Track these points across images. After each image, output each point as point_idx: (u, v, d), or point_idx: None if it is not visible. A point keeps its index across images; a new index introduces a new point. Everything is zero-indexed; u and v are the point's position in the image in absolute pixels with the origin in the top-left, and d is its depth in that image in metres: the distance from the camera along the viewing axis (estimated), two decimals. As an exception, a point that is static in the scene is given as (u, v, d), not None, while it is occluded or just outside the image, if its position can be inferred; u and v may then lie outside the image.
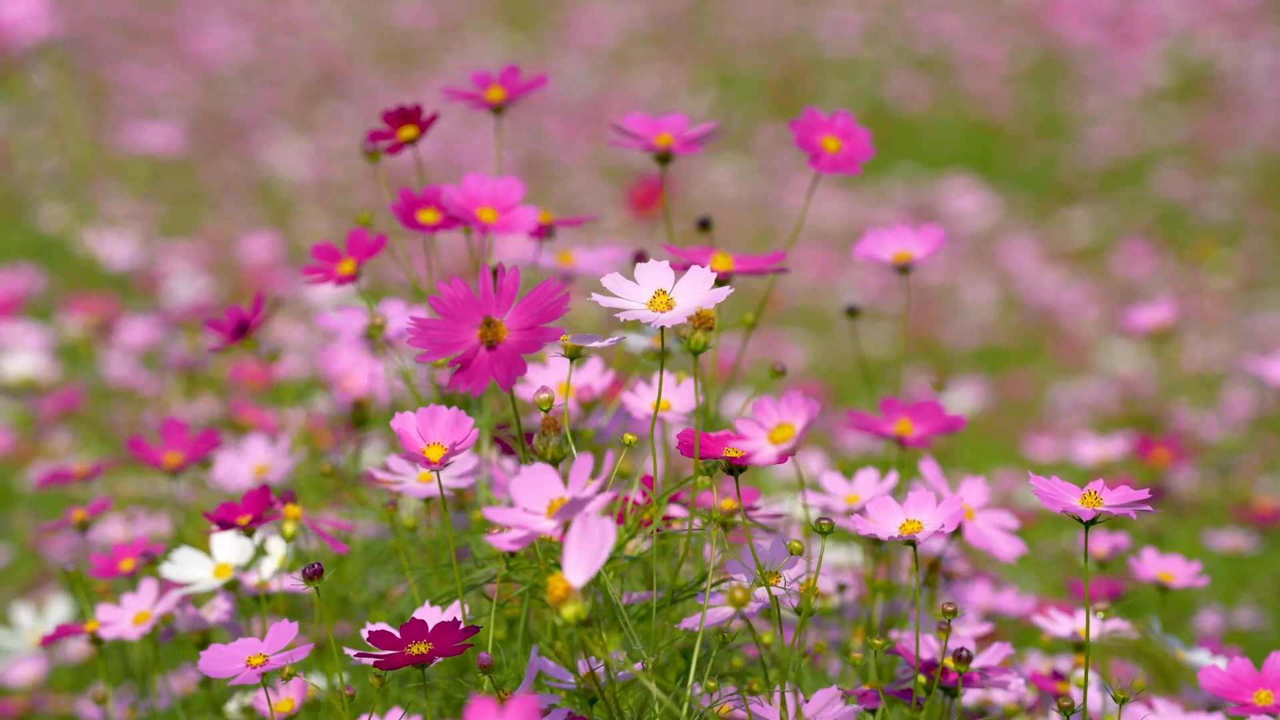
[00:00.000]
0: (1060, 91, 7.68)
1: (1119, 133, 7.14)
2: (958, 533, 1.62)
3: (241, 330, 1.68)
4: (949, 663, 1.40)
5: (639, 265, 1.33)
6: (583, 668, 1.35)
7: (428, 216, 1.57)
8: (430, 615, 1.36)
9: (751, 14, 8.67)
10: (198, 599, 1.67)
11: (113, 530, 2.28)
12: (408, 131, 1.61)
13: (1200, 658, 1.68)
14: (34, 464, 2.81)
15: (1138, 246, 5.76)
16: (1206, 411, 3.50)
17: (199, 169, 6.06)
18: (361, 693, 1.62)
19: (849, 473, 1.67)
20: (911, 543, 1.34)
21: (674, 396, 1.56)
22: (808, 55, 8.19)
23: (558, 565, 1.36)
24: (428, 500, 1.59)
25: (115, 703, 1.77)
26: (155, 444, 1.80)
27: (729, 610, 1.35)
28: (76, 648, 2.14)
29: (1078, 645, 1.67)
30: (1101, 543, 1.86)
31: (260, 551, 1.58)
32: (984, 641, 1.58)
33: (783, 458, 1.32)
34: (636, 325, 1.31)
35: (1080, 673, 1.63)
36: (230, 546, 1.59)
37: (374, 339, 1.69)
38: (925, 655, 1.45)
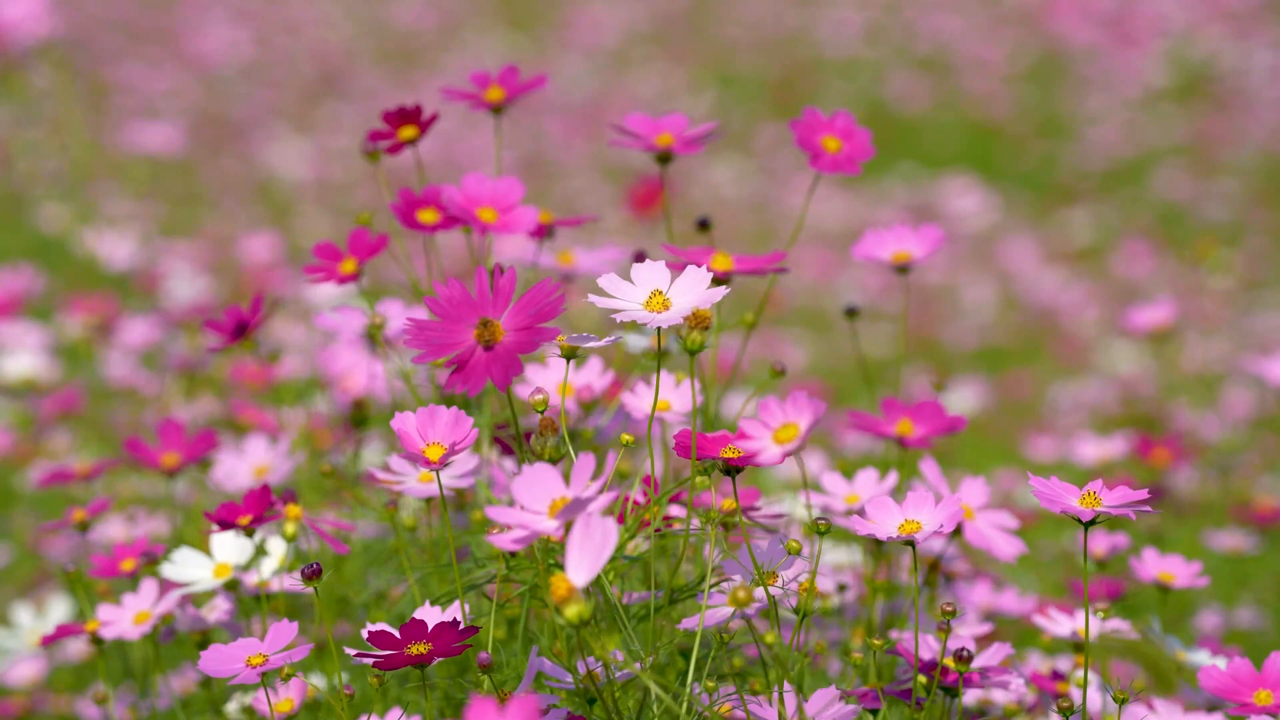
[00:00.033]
0: (1060, 91, 7.68)
1: (1119, 133, 7.14)
2: (958, 533, 1.62)
3: (241, 330, 1.68)
4: (949, 663, 1.40)
5: (635, 265, 1.33)
6: (582, 668, 1.35)
7: (428, 216, 1.57)
8: (430, 615, 1.36)
9: (751, 14, 8.67)
10: (198, 599, 1.67)
11: (113, 530, 2.28)
12: (408, 131, 1.61)
13: (1200, 658, 1.68)
14: (34, 464, 2.81)
15: (1138, 246, 5.76)
16: (1206, 411, 3.50)
17: (199, 169, 6.06)
18: (361, 693, 1.62)
19: (849, 473, 1.67)
20: (910, 543, 1.34)
21: (673, 396, 1.56)
22: (808, 55, 8.19)
23: (557, 565, 1.36)
24: (428, 500, 1.59)
25: (115, 703, 1.77)
26: (153, 445, 1.80)
27: (728, 610, 1.35)
28: (76, 648, 2.14)
29: (1077, 645, 1.67)
30: (1101, 543, 1.86)
31: (260, 551, 1.58)
32: (984, 641, 1.58)
33: (787, 457, 1.32)
34: (635, 325, 1.31)
35: (1080, 673, 1.63)
36: (230, 546, 1.59)
37: (374, 339, 1.69)
38: (925, 655, 1.45)
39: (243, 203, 5.72)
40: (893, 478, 1.64)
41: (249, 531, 1.50)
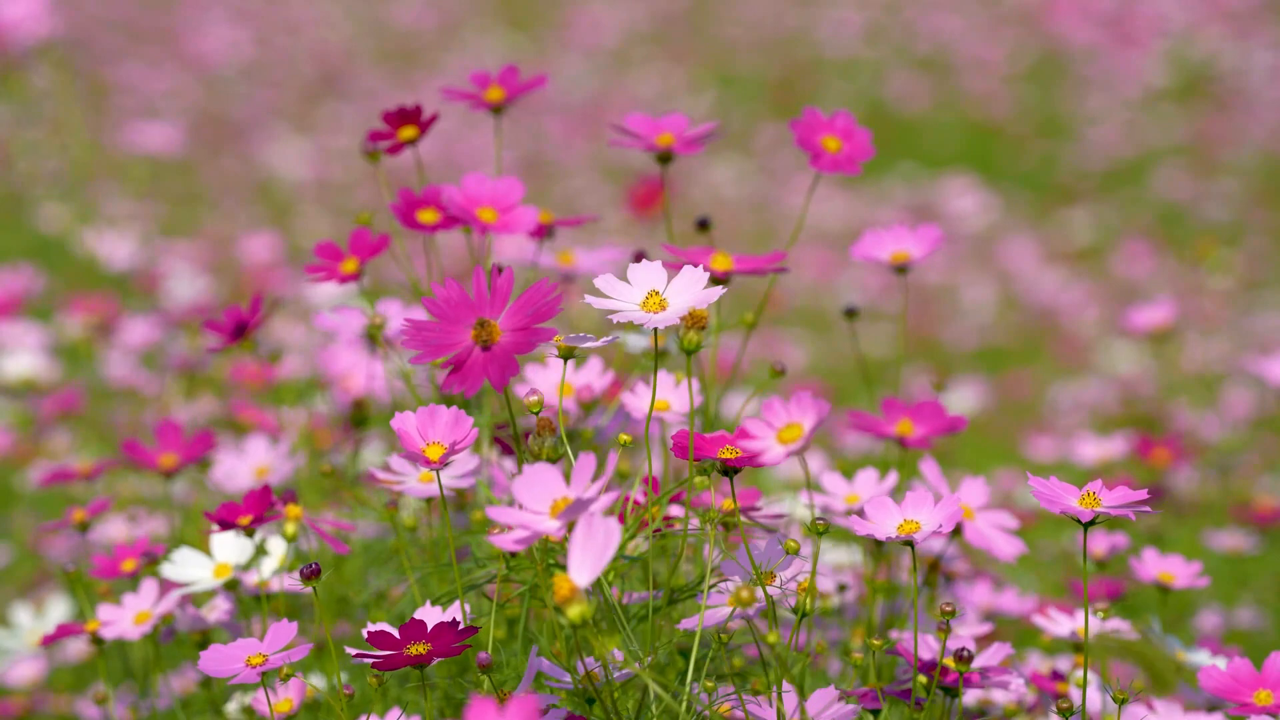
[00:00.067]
0: (1060, 91, 7.68)
1: (1119, 133, 7.14)
2: (958, 532, 1.62)
3: (240, 331, 1.68)
4: (949, 663, 1.40)
5: (631, 266, 1.33)
6: (581, 668, 1.35)
7: (428, 216, 1.57)
8: (431, 615, 1.36)
9: (751, 14, 8.67)
10: (198, 599, 1.67)
11: (114, 530, 2.28)
12: (407, 132, 1.61)
13: (1200, 658, 1.68)
14: (34, 464, 2.81)
15: (1138, 246, 5.76)
16: (1206, 411, 3.50)
17: (199, 169, 6.06)
18: (361, 693, 1.62)
19: (849, 473, 1.67)
20: (909, 543, 1.34)
21: (673, 396, 1.56)
22: (808, 55, 8.19)
23: (557, 565, 1.36)
24: (428, 500, 1.59)
25: (115, 703, 1.77)
26: (151, 446, 1.80)
27: (728, 610, 1.35)
28: (76, 648, 2.14)
29: (1077, 646, 1.67)
30: (1101, 543, 1.86)
31: (260, 551, 1.58)
32: (984, 641, 1.58)
33: (791, 457, 1.32)
34: (634, 325, 1.31)
35: (1079, 673, 1.63)
36: (230, 546, 1.59)
37: (374, 339, 1.69)
38: (925, 655, 1.44)
39: (243, 203, 5.72)
40: (893, 478, 1.64)
41: (249, 531, 1.50)
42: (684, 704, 1.33)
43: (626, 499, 1.39)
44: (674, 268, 1.33)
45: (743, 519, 1.48)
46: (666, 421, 1.58)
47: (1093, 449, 2.62)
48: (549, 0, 8.91)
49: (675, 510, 1.50)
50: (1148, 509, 1.31)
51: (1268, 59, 7.70)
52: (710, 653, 1.38)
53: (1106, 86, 7.63)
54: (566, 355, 1.36)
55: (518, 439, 1.38)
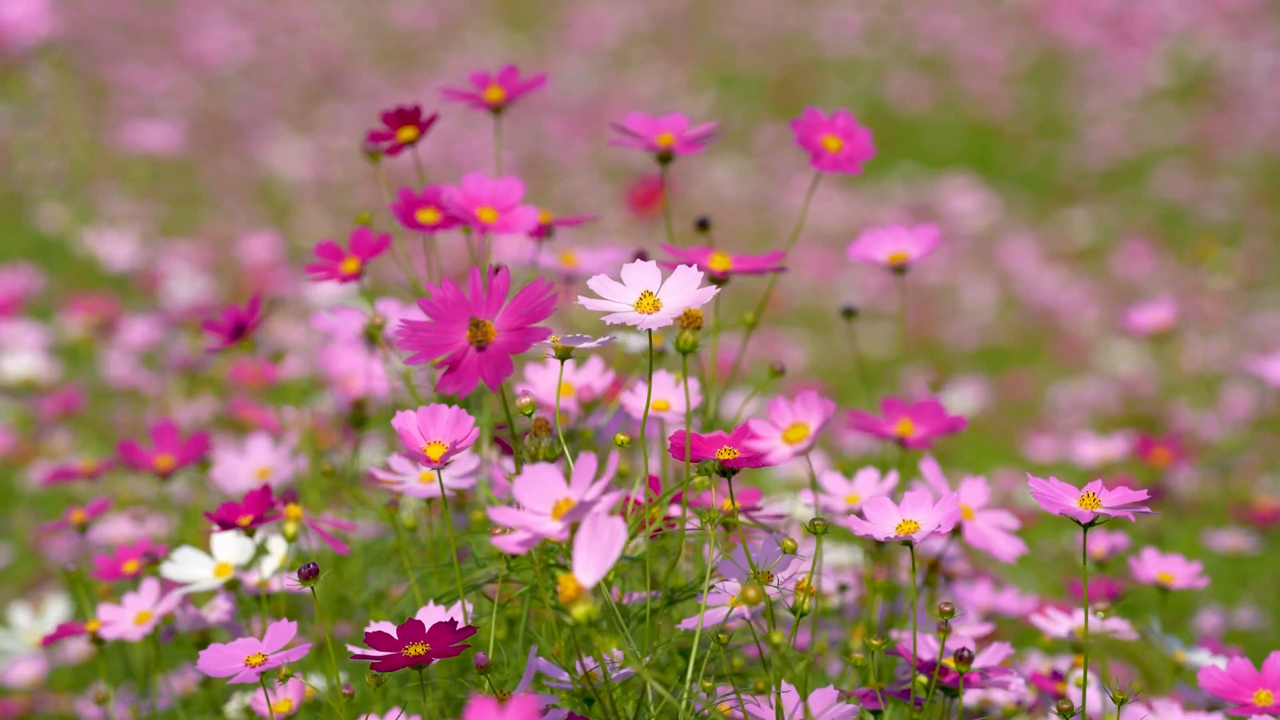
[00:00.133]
0: (1060, 91, 7.68)
1: (1119, 133, 7.14)
2: (958, 533, 1.62)
3: (239, 331, 1.68)
4: (949, 663, 1.40)
5: (626, 266, 1.33)
6: (582, 668, 1.35)
7: (427, 216, 1.57)
8: (432, 615, 1.36)
9: (751, 14, 8.67)
10: (198, 599, 1.67)
11: (116, 529, 2.28)
12: (407, 132, 1.62)
13: (1200, 658, 1.68)
14: (34, 464, 2.81)
15: (1138, 246, 5.76)
16: (1206, 411, 3.50)
17: (199, 169, 6.06)
18: (361, 692, 1.62)
19: (849, 473, 1.67)
20: (908, 543, 1.34)
21: (672, 396, 1.56)
22: (808, 55, 8.19)
23: (557, 565, 1.36)
24: (428, 500, 1.59)
25: (116, 703, 1.77)
26: (147, 447, 1.80)
27: (727, 610, 1.35)
28: (77, 648, 2.14)
29: (1076, 647, 1.67)
30: (1101, 543, 1.86)
31: (261, 551, 1.58)
32: (984, 641, 1.58)
33: (797, 457, 1.32)
34: (630, 326, 1.31)
35: (1078, 673, 1.63)
36: (231, 546, 1.59)
37: (373, 338, 1.69)
38: (925, 655, 1.44)
39: (243, 203, 5.72)
40: (893, 478, 1.64)
41: (249, 531, 1.50)
42: (684, 703, 1.33)
43: (627, 499, 1.39)
44: (671, 268, 1.33)
45: (743, 519, 1.48)
46: (666, 421, 1.58)
47: (1093, 449, 2.62)
48: (549, 0, 8.91)
49: (675, 510, 1.50)
50: (1147, 510, 1.31)
51: (1268, 59, 7.70)
52: (710, 652, 1.38)
53: (1106, 86, 7.63)
54: (564, 355, 1.36)
55: (517, 439, 1.38)
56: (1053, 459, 3.18)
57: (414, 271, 1.68)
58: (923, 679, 1.41)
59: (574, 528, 1.16)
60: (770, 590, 1.36)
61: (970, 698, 1.61)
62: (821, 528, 1.35)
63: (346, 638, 1.80)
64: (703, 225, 1.64)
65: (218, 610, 1.62)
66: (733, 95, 7.65)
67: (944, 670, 1.41)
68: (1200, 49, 7.93)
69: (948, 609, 1.35)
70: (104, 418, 2.98)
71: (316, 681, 1.63)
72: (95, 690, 1.66)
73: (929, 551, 1.70)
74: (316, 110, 7.07)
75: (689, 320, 1.32)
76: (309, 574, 1.34)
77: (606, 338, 1.37)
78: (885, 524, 1.35)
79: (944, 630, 1.37)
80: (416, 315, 1.37)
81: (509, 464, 1.62)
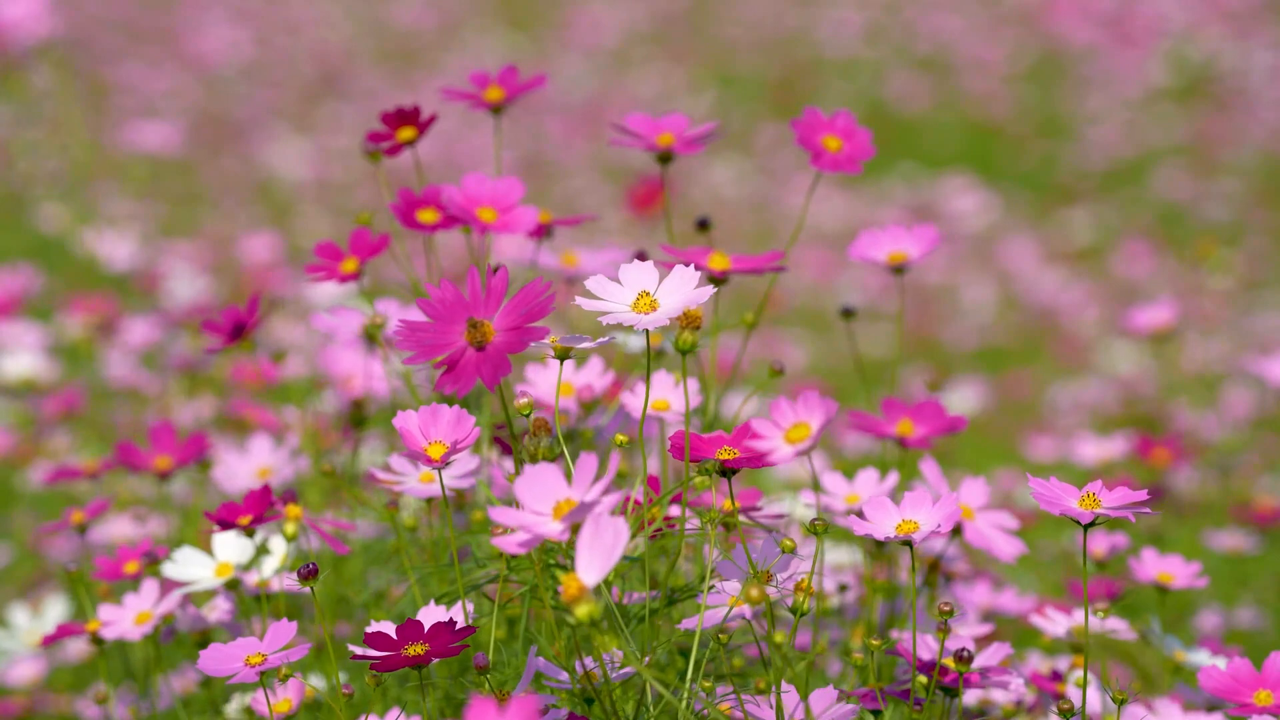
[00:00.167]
0: (1060, 91, 7.68)
1: (1119, 133, 7.14)
2: (958, 533, 1.62)
3: (238, 331, 1.68)
4: (949, 663, 1.40)
5: (623, 266, 1.33)
6: (581, 668, 1.35)
7: (427, 216, 1.57)
8: (431, 615, 1.36)
9: (751, 14, 8.67)
10: (198, 599, 1.67)
11: (117, 529, 2.28)
12: (406, 133, 1.61)
13: (1200, 658, 1.68)
14: (34, 464, 2.81)
15: (1138, 246, 5.76)
16: (1206, 411, 3.50)
17: (199, 169, 6.06)
18: (361, 692, 1.62)
19: (849, 473, 1.67)
20: (908, 543, 1.34)
21: (672, 396, 1.56)
22: (808, 55, 8.19)
23: (557, 565, 1.36)
24: (428, 500, 1.59)
25: (116, 703, 1.77)
26: (145, 448, 1.80)
27: (726, 610, 1.35)
28: (77, 648, 2.14)
29: (1075, 647, 1.67)
30: (1101, 543, 1.86)
31: (262, 551, 1.58)
32: (984, 641, 1.58)
33: (799, 457, 1.32)
34: (629, 326, 1.31)
35: (1078, 673, 1.63)
36: (231, 546, 1.59)
37: (373, 338, 1.69)
38: (925, 655, 1.44)
39: (243, 203, 5.72)
40: (893, 478, 1.64)
41: (249, 531, 1.50)
42: (684, 702, 1.32)
43: (627, 499, 1.39)
44: (670, 268, 1.33)
45: (743, 519, 1.48)
46: (666, 421, 1.58)
47: (1093, 449, 2.62)
48: (549, 0, 8.91)
49: (675, 510, 1.50)
50: (1147, 510, 1.31)
51: (1268, 59, 7.70)
52: (710, 652, 1.38)
53: (1106, 86, 7.63)
54: (563, 355, 1.36)
55: (515, 439, 1.38)
56: (1053, 459, 3.18)
57: (414, 271, 1.68)
58: (923, 679, 1.41)
59: (575, 528, 1.16)
60: (770, 590, 1.36)
61: (970, 698, 1.61)
62: (822, 528, 1.35)
63: (346, 638, 1.80)
64: (703, 225, 1.64)
65: (218, 610, 1.62)
66: (733, 95, 7.65)
67: (944, 670, 1.41)
68: (1200, 49, 7.93)
69: (947, 609, 1.35)
70: (104, 418, 2.98)
71: (316, 681, 1.63)
72: (95, 690, 1.66)
73: (929, 551, 1.70)
74: (316, 110, 7.07)
75: (688, 320, 1.32)
76: (309, 574, 1.34)
77: (606, 338, 1.37)
78: (885, 524, 1.35)
79: (944, 630, 1.37)
80: (415, 315, 1.37)
81: (509, 464, 1.62)
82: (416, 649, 1.30)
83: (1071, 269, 5.64)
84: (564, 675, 1.37)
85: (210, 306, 3.18)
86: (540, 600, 1.40)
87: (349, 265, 1.59)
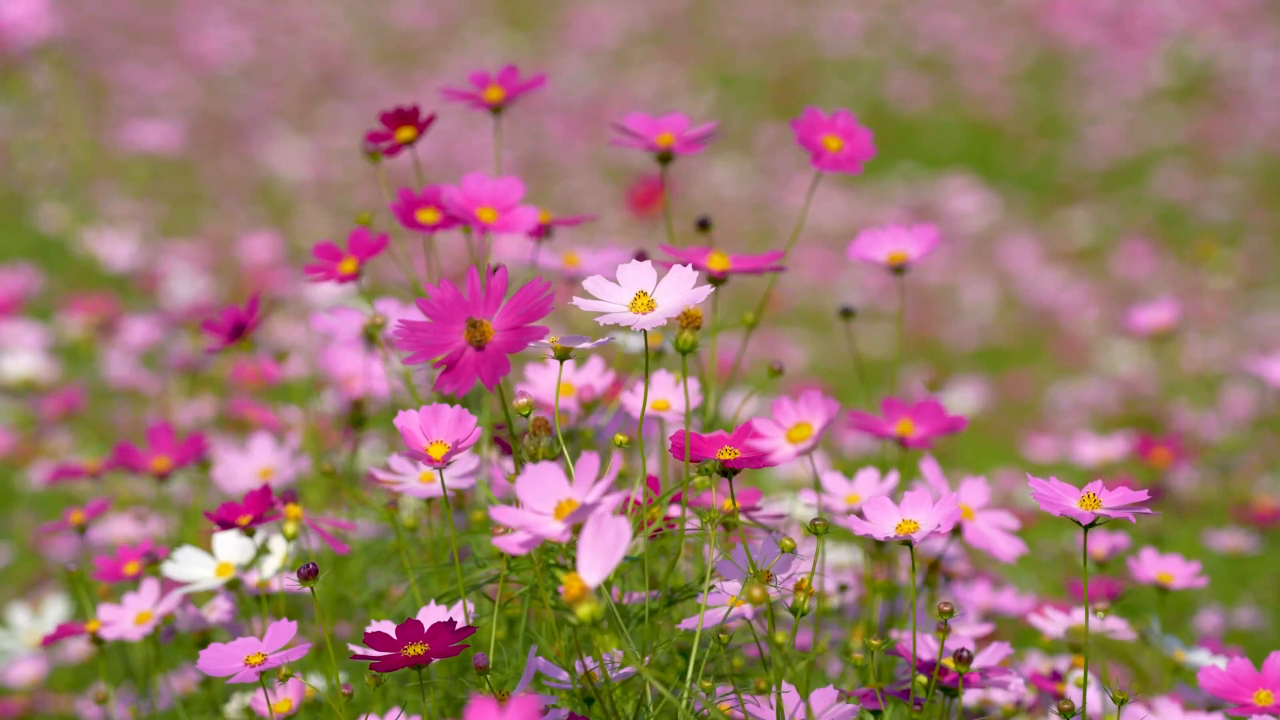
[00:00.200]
0: (1060, 91, 7.68)
1: (1119, 133, 7.14)
2: (958, 533, 1.62)
3: (238, 331, 1.68)
4: (948, 663, 1.40)
5: (621, 266, 1.33)
6: (582, 667, 1.35)
7: (427, 216, 1.57)
8: (431, 615, 1.36)
9: (751, 14, 8.67)
10: (198, 599, 1.67)
11: (118, 529, 2.28)
12: (405, 133, 1.62)
13: (1200, 658, 1.68)
14: (34, 464, 2.81)
15: (1138, 246, 5.76)
16: (1206, 411, 3.50)
17: (199, 169, 6.06)
18: (361, 692, 1.62)
19: (849, 473, 1.67)
20: (908, 543, 1.34)
21: (672, 396, 1.56)
22: (808, 55, 8.19)
23: (557, 565, 1.36)
24: (428, 500, 1.59)
25: (116, 703, 1.77)
26: (144, 449, 1.80)
27: (726, 610, 1.35)
28: (77, 648, 2.14)
29: (1074, 647, 1.67)
30: (1101, 543, 1.86)
31: (263, 551, 1.58)
32: (984, 641, 1.58)
33: (801, 456, 1.32)
34: (627, 326, 1.31)
35: (1077, 673, 1.63)
36: (232, 546, 1.59)
37: (372, 338, 1.69)
38: (925, 655, 1.44)
39: (243, 203, 5.72)
40: (893, 478, 1.64)
41: (249, 531, 1.50)
42: (684, 702, 1.32)
43: (627, 500, 1.39)
44: (669, 268, 1.33)
45: (743, 519, 1.48)
46: (666, 421, 1.58)
47: (1093, 449, 2.62)
48: (549, 0, 8.91)
49: (675, 510, 1.50)
50: (1148, 510, 1.31)
51: (1268, 59, 7.70)
52: (710, 652, 1.38)
53: (1106, 86, 7.63)
54: (563, 356, 1.36)
55: (515, 439, 1.38)
56: (1053, 459, 3.18)
57: (413, 271, 1.68)
58: (922, 679, 1.41)
59: (576, 529, 1.16)
60: (770, 590, 1.36)
61: (970, 698, 1.61)
62: (823, 528, 1.35)
63: (346, 638, 1.80)
64: (703, 225, 1.64)
65: (218, 610, 1.62)
66: (733, 95, 7.65)
67: (944, 670, 1.41)
68: (1200, 49, 7.93)
69: (947, 609, 1.35)
70: (104, 418, 2.98)
71: (316, 681, 1.63)
72: (95, 690, 1.66)
73: (929, 551, 1.70)
74: (316, 110, 7.07)
75: (689, 320, 1.32)
76: (309, 574, 1.34)
77: (605, 338, 1.37)
78: (885, 524, 1.35)
79: (943, 630, 1.37)
80: (415, 315, 1.37)
81: (508, 464, 1.62)
82: (416, 649, 1.30)
83: (1071, 269, 5.64)
84: (564, 675, 1.37)
85: (210, 306, 3.18)
86: (540, 600, 1.40)
87: (348, 266, 1.59)
